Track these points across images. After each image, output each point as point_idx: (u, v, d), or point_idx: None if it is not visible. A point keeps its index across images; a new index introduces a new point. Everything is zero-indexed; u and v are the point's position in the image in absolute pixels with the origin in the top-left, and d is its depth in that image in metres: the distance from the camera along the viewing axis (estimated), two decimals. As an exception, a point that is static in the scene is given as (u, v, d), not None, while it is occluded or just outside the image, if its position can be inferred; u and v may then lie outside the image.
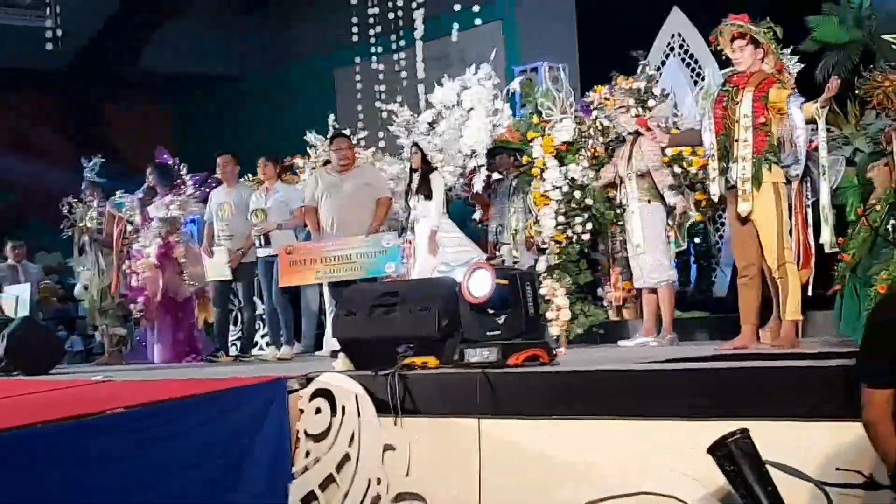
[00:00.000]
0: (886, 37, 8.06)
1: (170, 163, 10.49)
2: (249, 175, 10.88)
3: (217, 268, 9.22)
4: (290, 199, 9.21)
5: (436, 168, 9.15)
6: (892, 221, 5.30)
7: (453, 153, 9.56)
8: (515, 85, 10.03)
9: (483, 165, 9.45)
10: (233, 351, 9.68)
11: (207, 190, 9.91)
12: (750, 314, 6.10)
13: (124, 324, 10.57)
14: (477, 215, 9.79)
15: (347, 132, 10.07)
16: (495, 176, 9.39)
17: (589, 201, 8.62)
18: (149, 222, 9.84)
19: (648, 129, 7.15)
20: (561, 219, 8.60)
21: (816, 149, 6.05)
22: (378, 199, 8.76)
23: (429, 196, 8.90)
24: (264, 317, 9.97)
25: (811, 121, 5.88)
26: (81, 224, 10.57)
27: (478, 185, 9.56)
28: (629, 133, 7.91)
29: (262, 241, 9.06)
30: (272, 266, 8.99)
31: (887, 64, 7.06)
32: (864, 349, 3.22)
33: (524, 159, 9.04)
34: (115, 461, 4.42)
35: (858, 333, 5.59)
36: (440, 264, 8.84)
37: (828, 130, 7.94)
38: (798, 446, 3.73)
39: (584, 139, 8.82)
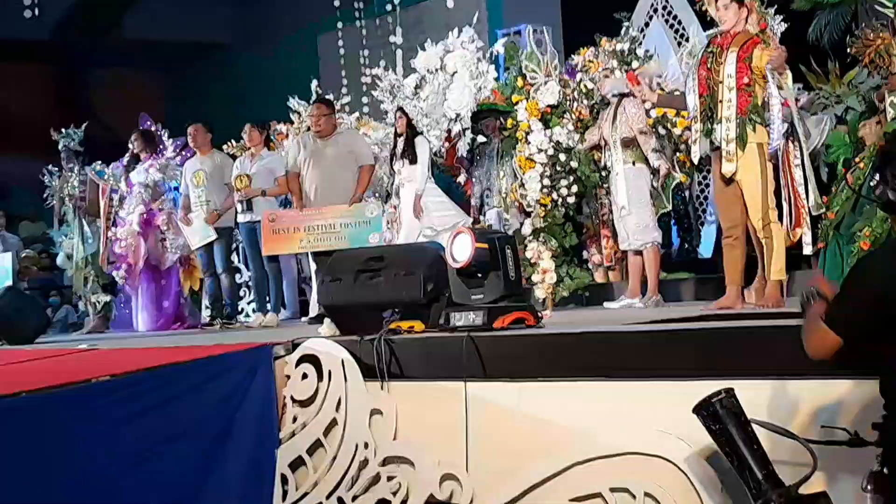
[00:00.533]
0: None
1: (153, 129, 10.42)
2: (233, 142, 10.82)
3: (199, 233, 9.17)
4: (275, 166, 9.14)
5: (421, 132, 9.10)
6: (875, 178, 5.27)
7: (438, 117, 9.50)
8: (499, 47, 9.96)
9: (468, 129, 9.40)
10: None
11: (189, 154, 9.84)
12: (735, 274, 6.12)
13: (108, 292, 10.52)
14: (462, 178, 9.75)
15: (331, 97, 10.00)
16: (480, 139, 9.35)
17: (574, 164, 8.60)
18: (132, 189, 9.79)
19: (637, 84, 7.12)
20: (546, 182, 8.58)
21: (803, 108, 6.06)
22: (361, 167, 8.62)
23: (413, 160, 8.86)
24: (249, 283, 9.94)
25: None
26: (62, 193, 10.51)
27: (462, 149, 9.51)
28: (614, 96, 7.89)
29: (245, 207, 9.00)
30: (255, 232, 8.94)
31: (878, 22, 7.04)
32: (840, 294, 3.27)
33: (509, 122, 9.00)
34: (99, 431, 4.41)
35: None
36: (426, 228, 8.83)
37: (819, 89, 7.95)
38: (783, 405, 3.75)
39: (568, 102, 8.79)
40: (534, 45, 9.45)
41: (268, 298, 9.32)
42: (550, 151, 8.59)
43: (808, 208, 6.84)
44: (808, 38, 8.97)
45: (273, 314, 9.13)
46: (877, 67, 6.52)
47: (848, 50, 7.27)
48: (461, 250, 5.14)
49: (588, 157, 8.60)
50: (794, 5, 9.00)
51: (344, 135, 9.06)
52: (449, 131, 9.53)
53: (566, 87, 8.86)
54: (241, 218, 9.13)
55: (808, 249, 6.87)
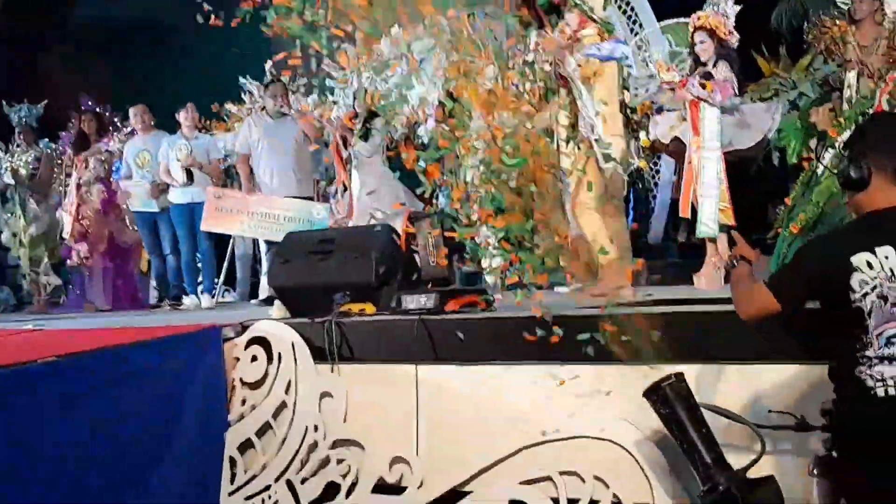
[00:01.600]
0: None
1: (97, 109, 10.26)
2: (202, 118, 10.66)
3: (140, 197, 9.09)
4: (209, 148, 9.04)
5: (377, 113, 9.07)
6: (825, 160, 5.35)
7: (400, 102, 9.47)
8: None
9: (430, 116, 9.38)
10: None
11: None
12: None
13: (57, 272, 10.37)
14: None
15: (285, 78, 9.91)
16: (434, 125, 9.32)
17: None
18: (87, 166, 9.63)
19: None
20: (483, 168, 8.55)
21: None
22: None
23: (366, 138, 8.86)
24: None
25: None
26: (5, 170, 10.29)
27: (425, 135, 9.49)
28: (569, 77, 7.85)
29: (186, 177, 8.86)
30: (191, 213, 8.83)
31: (836, 10, 7.11)
32: (788, 264, 3.34)
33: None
34: (44, 413, 4.34)
35: None
36: (376, 211, 8.80)
37: (774, 75, 8.01)
38: (732, 389, 3.78)
39: (521, 84, 8.77)
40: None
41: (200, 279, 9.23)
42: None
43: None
44: (770, 24, 9.03)
45: (208, 296, 9.04)
46: (832, 54, 6.58)
47: (805, 37, 7.33)
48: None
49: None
50: None
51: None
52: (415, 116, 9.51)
53: (510, 70, 8.82)
54: (175, 198, 8.99)
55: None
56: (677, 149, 7.08)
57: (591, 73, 6.03)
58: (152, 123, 9.36)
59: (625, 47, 5.92)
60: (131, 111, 9.28)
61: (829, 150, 5.46)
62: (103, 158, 9.58)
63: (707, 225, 6.80)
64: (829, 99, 6.76)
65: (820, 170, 5.42)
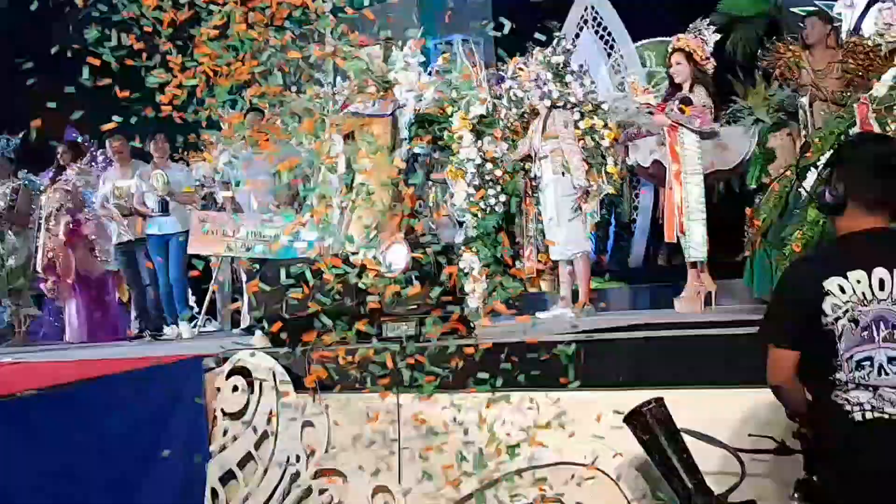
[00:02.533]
0: (795, 9, 8.20)
1: (79, 140, 10.24)
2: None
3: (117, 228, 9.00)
4: (179, 180, 9.00)
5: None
6: (804, 185, 5.39)
7: None
8: (441, 62, 9.95)
9: (404, 139, 9.39)
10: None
11: (106, 165, 9.69)
12: None
13: (36, 304, 10.31)
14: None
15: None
16: (416, 150, 9.34)
17: (498, 173, 8.63)
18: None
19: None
20: (471, 191, 8.60)
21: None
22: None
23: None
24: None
25: None
26: None
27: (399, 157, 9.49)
28: (545, 105, 7.91)
29: (161, 208, 8.83)
30: (167, 243, 8.81)
31: (790, 36, 7.19)
32: (770, 310, 3.27)
33: (446, 134, 9.01)
34: (25, 446, 4.33)
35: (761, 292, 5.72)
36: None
37: (732, 101, 8.11)
38: (712, 414, 3.79)
39: (498, 112, 8.82)
40: (464, 57, 9.49)
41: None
42: (478, 161, 8.62)
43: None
44: (725, 50, 9.11)
45: (187, 325, 8.96)
46: (786, 80, 6.65)
47: (758, 63, 7.41)
48: (397, 258, 5.16)
49: (518, 167, 8.64)
50: (710, 18, 9.17)
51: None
52: None
53: (497, 98, 8.89)
54: (151, 230, 8.89)
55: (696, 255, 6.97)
56: (658, 172, 7.13)
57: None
58: (129, 155, 9.30)
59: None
60: (113, 143, 9.21)
61: (811, 170, 5.50)
62: (69, 189, 9.54)
63: (696, 249, 6.86)
64: (786, 124, 6.84)
65: (803, 190, 5.45)
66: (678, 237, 6.97)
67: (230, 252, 8.53)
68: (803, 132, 6.69)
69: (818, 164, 5.54)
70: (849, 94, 5.87)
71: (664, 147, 7.05)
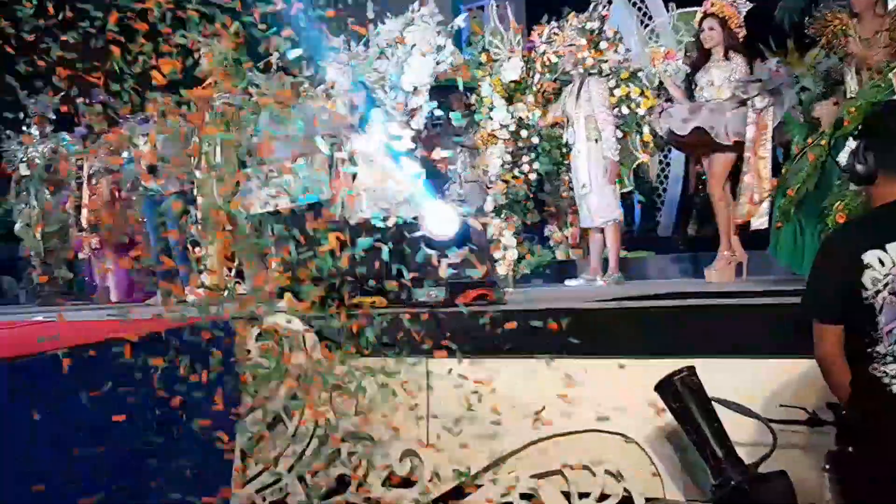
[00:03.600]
0: None
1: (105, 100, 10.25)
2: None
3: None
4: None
5: (379, 105, 9.06)
6: (841, 154, 5.33)
7: (396, 92, 9.45)
8: (460, 21, 9.89)
9: (424, 103, 9.35)
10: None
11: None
12: None
13: (69, 265, 10.36)
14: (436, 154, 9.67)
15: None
16: (438, 112, 9.32)
17: (535, 140, 8.60)
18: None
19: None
20: (507, 158, 8.58)
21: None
22: None
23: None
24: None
25: None
26: (23, 161, 10.29)
27: (419, 123, 9.46)
28: (579, 72, 7.86)
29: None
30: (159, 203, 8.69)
31: (837, 3, 7.08)
32: (811, 283, 3.22)
33: (473, 99, 8.98)
34: (58, 400, 4.36)
35: (803, 266, 5.65)
36: (381, 201, 8.80)
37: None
38: (743, 383, 3.77)
39: (531, 77, 8.78)
40: (497, 21, 9.44)
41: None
42: (513, 127, 8.58)
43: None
44: (774, 18, 8.98)
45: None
46: (832, 48, 6.57)
47: (805, 31, 7.31)
48: (447, 224, 5.17)
49: (550, 134, 8.60)
50: None
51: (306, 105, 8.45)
52: (406, 105, 9.47)
53: (529, 63, 8.84)
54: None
55: (759, 223, 6.92)
56: (694, 140, 7.05)
57: None
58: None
59: None
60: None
61: (850, 139, 5.44)
62: (112, 149, 9.57)
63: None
64: (834, 93, 6.74)
65: (841, 159, 5.39)
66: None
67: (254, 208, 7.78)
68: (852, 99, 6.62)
69: (854, 133, 5.48)
70: (893, 63, 5.79)
71: (704, 113, 6.97)
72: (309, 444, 4.80)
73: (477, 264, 5.18)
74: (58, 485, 4.29)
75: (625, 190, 8.96)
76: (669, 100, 7.56)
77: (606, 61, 7.92)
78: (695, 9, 9.08)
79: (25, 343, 5.20)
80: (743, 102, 6.91)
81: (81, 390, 4.52)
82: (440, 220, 5.19)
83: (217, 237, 7.27)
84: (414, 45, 9.40)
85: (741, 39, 7.26)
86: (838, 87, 6.94)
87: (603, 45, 8.06)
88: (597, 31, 8.11)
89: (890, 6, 6.50)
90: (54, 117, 10.30)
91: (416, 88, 9.30)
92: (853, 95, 6.18)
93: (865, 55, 6.19)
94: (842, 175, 5.35)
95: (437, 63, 9.25)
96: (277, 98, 7.27)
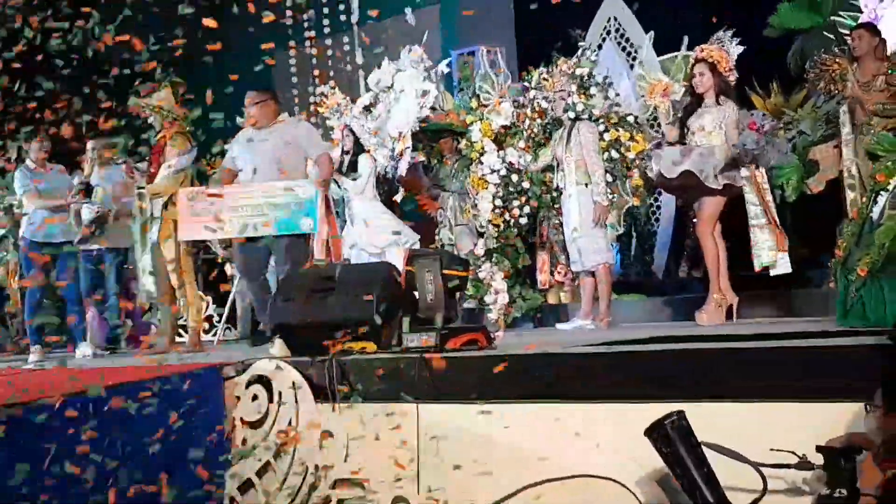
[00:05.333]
0: (836, 17, 8.16)
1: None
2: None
3: None
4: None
5: (367, 150, 9.15)
6: (874, 209, 5.36)
7: (384, 136, 9.56)
8: (443, 66, 9.97)
9: (408, 147, 9.45)
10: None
11: None
12: None
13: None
14: (398, 197, 9.72)
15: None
16: (419, 157, 9.45)
17: (526, 185, 8.64)
18: None
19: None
20: (498, 202, 8.61)
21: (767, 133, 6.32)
22: (318, 157, 7.48)
23: (356, 178, 8.97)
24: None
25: None
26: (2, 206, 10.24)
27: (402, 166, 9.55)
28: (569, 117, 7.89)
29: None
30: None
31: (839, 48, 7.16)
32: None
33: (464, 143, 9.04)
34: (47, 452, 4.33)
35: (848, 322, 5.57)
36: (370, 246, 8.86)
37: (781, 114, 8.09)
38: (733, 427, 3.76)
39: (521, 123, 8.83)
40: (487, 66, 9.53)
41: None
42: (503, 172, 8.63)
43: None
44: (787, 63, 9.03)
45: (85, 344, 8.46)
46: (831, 92, 6.63)
47: (805, 76, 7.38)
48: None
49: (540, 178, 8.63)
50: (765, 32, 9.11)
51: (286, 124, 7.65)
52: (392, 149, 9.56)
53: (520, 108, 8.91)
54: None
55: (780, 269, 6.97)
56: (684, 183, 7.08)
57: None
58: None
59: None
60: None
61: (882, 194, 5.46)
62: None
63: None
64: (833, 136, 6.81)
65: (875, 214, 5.40)
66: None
67: (226, 234, 7.47)
68: (844, 146, 6.69)
69: (889, 187, 5.49)
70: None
71: (694, 157, 7.00)
72: (299, 491, 4.77)
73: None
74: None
75: (616, 233, 8.98)
76: (659, 144, 7.60)
77: (595, 106, 7.96)
78: (675, 54, 9.20)
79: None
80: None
81: (76, 436, 4.50)
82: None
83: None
84: (402, 90, 9.51)
85: (732, 83, 7.32)
86: (840, 130, 7.00)
87: (593, 90, 8.10)
88: (586, 77, 8.17)
89: (889, 50, 6.58)
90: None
91: (400, 134, 9.40)
92: (848, 139, 6.24)
93: (862, 98, 6.25)
94: (871, 230, 5.35)
95: (421, 108, 9.35)
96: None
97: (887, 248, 5.08)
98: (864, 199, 5.70)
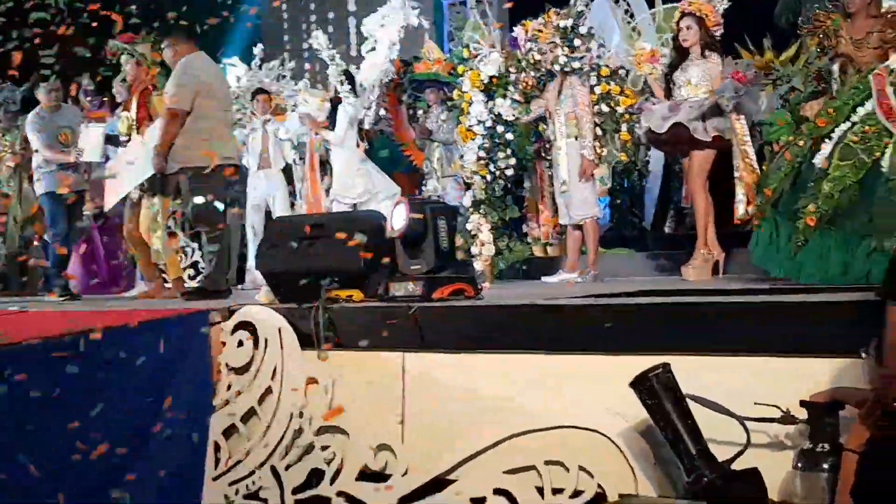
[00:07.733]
0: None
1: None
2: None
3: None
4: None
5: (341, 100, 9.16)
6: (817, 156, 5.36)
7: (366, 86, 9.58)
8: (413, 19, 9.84)
9: (375, 101, 9.50)
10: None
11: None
12: None
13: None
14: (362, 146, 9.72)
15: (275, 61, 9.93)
16: (382, 112, 9.52)
17: (510, 136, 8.59)
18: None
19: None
20: (482, 153, 8.57)
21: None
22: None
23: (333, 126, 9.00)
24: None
25: None
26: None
27: (368, 119, 9.59)
28: (560, 70, 7.84)
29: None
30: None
31: (832, 3, 7.10)
32: (891, 266, 3.17)
33: (455, 94, 8.98)
34: (28, 395, 4.32)
35: (775, 268, 5.66)
36: (345, 198, 8.91)
37: (771, 70, 8.04)
38: (717, 381, 3.77)
39: (512, 73, 8.76)
40: (478, 17, 9.46)
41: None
42: (489, 123, 8.58)
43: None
44: (774, 18, 8.97)
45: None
46: (824, 49, 6.58)
47: (798, 31, 7.33)
48: (398, 219, 5.17)
49: (527, 130, 8.59)
50: None
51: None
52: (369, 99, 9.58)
53: (510, 59, 8.83)
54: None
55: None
56: (673, 138, 7.07)
57: None
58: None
59: None
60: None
61: (825, 141, 5.46)
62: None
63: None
64: (825, 93, 6.77)
65: (817, 160, 5.41)
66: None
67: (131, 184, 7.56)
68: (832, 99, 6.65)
69: (832, 135, 5.50)
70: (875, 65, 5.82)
71: (684, 110, 6.99)
72: (283, 437, 4.78)
73: None
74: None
75: (605, 187, 8.97)
76: (650, 100, 7.58)
77: (581, 58, 7.89)
78: (677, 5, 9.13)
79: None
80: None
81: (60, 379, 4.49)
82: (396, 215, 5.23)
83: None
84: (376, 40, 9.50)
85: (718, 38, 7.28)
86: (831, 86, 6.97)
87: (577, 42, 8.02)
88: (570, 28, 8.08)
89: (884, 7, 6.53)
90: (18, 107, 10.16)
91: (373, 85, 9.41)
92: (835, 96, 6.21)
93: (855, 55, 6.21)
94: (813, 178, 5.37)
95: (391, 60, 9.34)
96: None
97: (836, 199, 5.11)
98: (802, 143, 5.69)
